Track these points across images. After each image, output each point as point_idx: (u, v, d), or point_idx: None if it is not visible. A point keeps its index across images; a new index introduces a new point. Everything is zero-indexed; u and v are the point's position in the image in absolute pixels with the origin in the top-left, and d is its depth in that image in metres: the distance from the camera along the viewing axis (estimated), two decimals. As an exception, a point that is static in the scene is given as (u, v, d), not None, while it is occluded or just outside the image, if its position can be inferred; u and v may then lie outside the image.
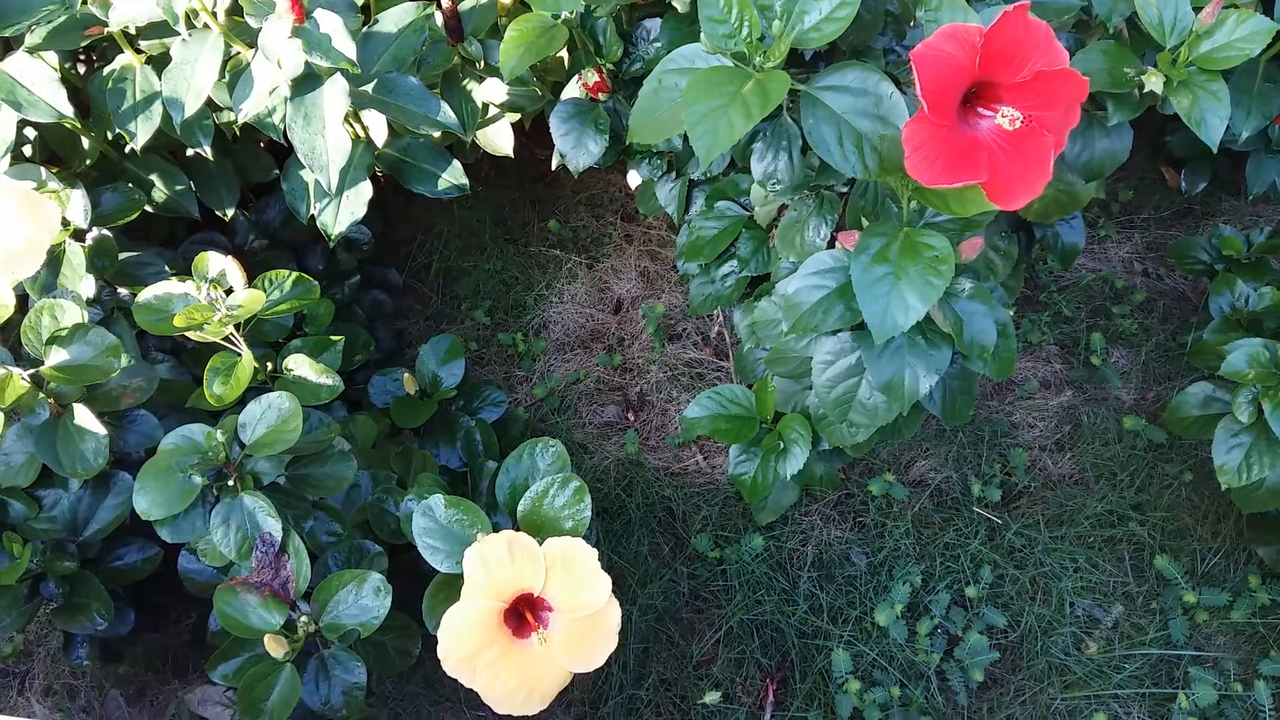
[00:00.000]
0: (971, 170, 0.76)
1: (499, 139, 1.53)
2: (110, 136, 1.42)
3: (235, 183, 1.55)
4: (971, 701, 1.41)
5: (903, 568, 1.49)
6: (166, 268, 1.41)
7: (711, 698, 1.40)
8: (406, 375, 1.50)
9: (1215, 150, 0.96)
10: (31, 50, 1.27)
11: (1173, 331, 1.72)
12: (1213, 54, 0.98)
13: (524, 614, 1.03)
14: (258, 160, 1.60)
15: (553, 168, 1.46)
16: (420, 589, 1.10)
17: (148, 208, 1.44)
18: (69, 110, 1.25)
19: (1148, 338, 1.71)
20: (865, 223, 0.94)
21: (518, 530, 1.05)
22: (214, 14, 1.21)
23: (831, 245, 1.07)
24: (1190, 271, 1.61)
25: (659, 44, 1.30)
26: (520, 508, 1.08)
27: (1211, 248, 1.58)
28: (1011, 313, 1.70)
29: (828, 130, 0.79)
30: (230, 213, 1.55)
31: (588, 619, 1.02)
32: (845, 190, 1.05)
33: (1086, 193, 1.16)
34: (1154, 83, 0.99)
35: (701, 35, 0.78)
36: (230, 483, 1.04)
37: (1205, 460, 1.51)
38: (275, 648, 0.99)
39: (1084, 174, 1.11)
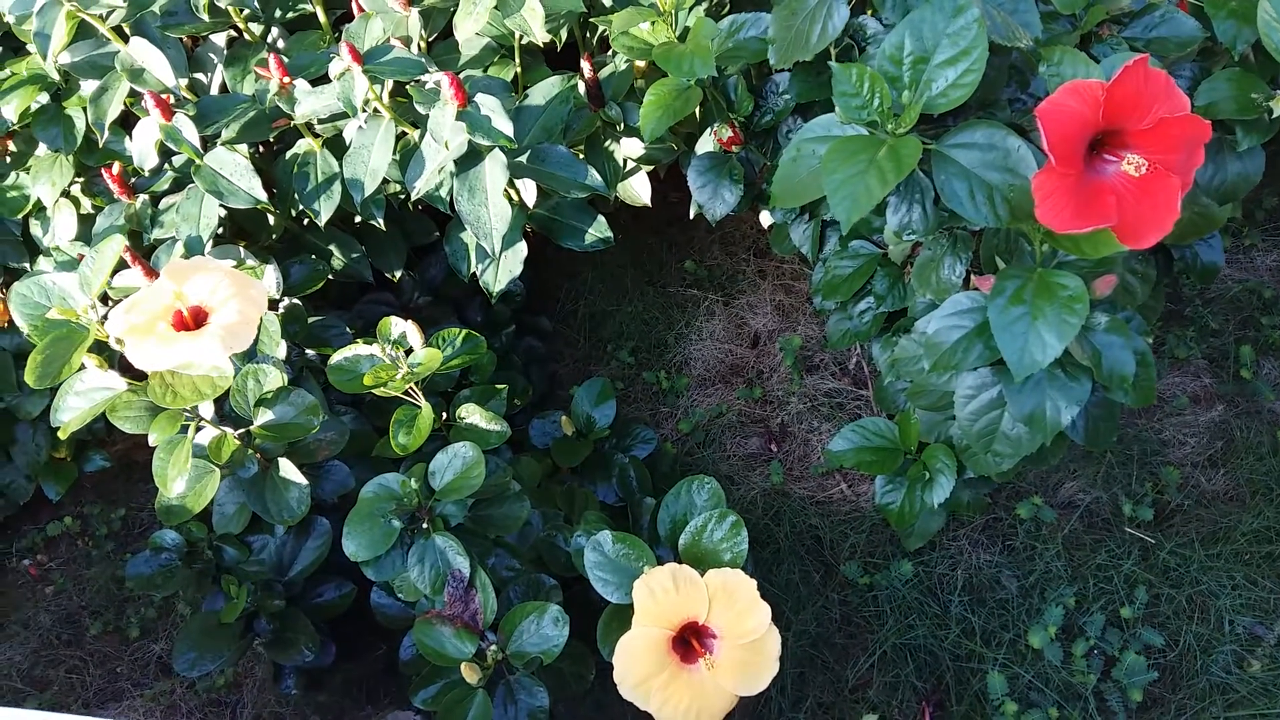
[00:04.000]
0: (1100, 215, 0.80)
1: (638, 190, 1.63)
2: (294, 214, 1.58)
3: (402, 246, 1.70)
4: (1132, 721, 1.41)
5: (1055, 590, 1.51)
6: (348, 329, 1.55)
7: (869, 720, 1.45)
8: (564, 418, 1.60)
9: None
10: (228, 144, 1.43)
11: (1328, 340, 1.68)
12: (1343, 75, 0.99)
13: (690, 641, 1.10)
14: (420, 224, 1.74)
15: (691, 216, 1.54)
16: (588, 618, 1.19)
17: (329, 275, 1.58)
18: (264, 196, 1.40)
19: (1301, 348, 1.68)
20: (999, 262, 0.99)
21: (680, 563, 1.13)
22: (382, 100, 1.35)
23: (966, 282, 1.12)
24: (1342, 279, 1.58)
25: (788, 96, 1.37)
26: (681, 542, 1.16)
27: (1364, 254, 1.55)
28: (1150, 337, 1.69)
29: (959, 185, 0.85)
30: (398, 274, 1.69)
31: (750, 645, 1.09)
32: (978, 229, 1.10)
33: (1222, 214, 1.18)
34: (1284, 108, 1.01)
35: (836, 108, 0.85)
36: (423, 525, 1.16)
37: (1369, 472, 1.48)
38: (470, 674, 1.10)
39: (1217, 198, 1.13)
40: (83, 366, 1.18)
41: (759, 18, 1.31)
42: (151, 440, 1.24)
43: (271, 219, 1.60)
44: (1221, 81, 1.05)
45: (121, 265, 1.33)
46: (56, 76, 1.46)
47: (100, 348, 1.24)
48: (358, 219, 1.66)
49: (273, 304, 1.50)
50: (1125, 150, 0.82)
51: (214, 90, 1.54)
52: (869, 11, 1.23)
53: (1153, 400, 1.01)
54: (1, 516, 1.81)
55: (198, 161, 1.40)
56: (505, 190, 1.34)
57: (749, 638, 1.08)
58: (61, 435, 1.22)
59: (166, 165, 1.51)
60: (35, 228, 1.57)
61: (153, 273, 1.33)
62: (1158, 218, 0.82)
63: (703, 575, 1.10)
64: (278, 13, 1.54)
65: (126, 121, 1.51)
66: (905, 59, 0.84)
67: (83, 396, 1.24)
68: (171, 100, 1.39)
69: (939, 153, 0.86)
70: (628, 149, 1.56)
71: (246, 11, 1.49)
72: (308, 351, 1.55)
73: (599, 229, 1.54)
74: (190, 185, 1.45)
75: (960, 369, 0.95)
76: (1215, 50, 1.13)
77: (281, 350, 1.44)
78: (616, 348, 1.93)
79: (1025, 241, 0.97)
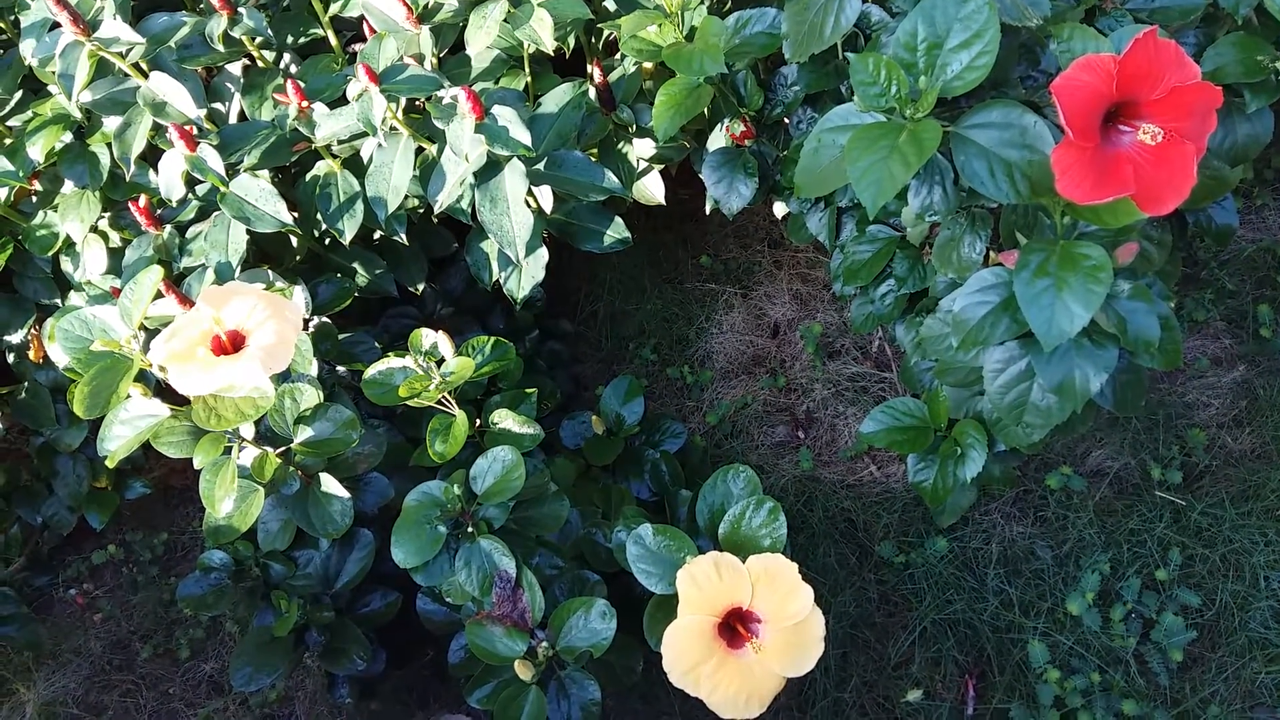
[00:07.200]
0: (1119, 185, 0.82)
1: (652, 189, 1.65)
2: (316, 234, 1.61)
3: (422, 259, 1.72)
4: (1173, 681, 1.43)
5: (1089, 557, 1.53)
6: (376, 344, 1.58)
7: (914, 695, 1.47)
8: (594, 417, 1.63)
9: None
10: (251, 170, 1.46)
11: (1344, 295, 1.69)
12: (1347, 33, 1.01)
13: (735, 627, 1.13)
14: (438, 237, 1.77)
15: (707, 212, 1.57)
16: (631, 612, 1.21)
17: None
18: (289, 219, 1.42)
19: (1318, 304, 1.70)
20: (1020, 237, 1.01)
21: (720, 551, 1.15)
22: (398, 118, 1.38)
23: (986, 259, 1.14)
24: (1356, 233, 1.59)
25: (796, 88, 1.40)
26: (721, 530, 1.18)
27: (1376, 207, 1.56)
28: (1173, 301, 1.71)
29: (979, 164, 0.87)
30: (420, 287, 1.72)
31: (795, 627, 1.11)
32: (995, 206, 1.12)
33: (1234, 176, 1.19)
34: (1290, 68, 1.03)
35: (854, 96, 0.87)
36: (468, 529, 1.18)
37: (1394, 423, 1.49)
38: (524, 671, 1.12)
39: (1228, 160, 1.15)
40: (128, 395, 1.21)
41: (764, 13, 1.33)
42: (196, 463, 1.27)
43: (295, 241, 1.62)
44: (1227, 46, 1.07)
45: (155, 295, 1.36)
46: (79, 115, 1.50)
47: (140, 376, 1.27)
48: (377, 235, 1.68)
49: (304, 323, 1.52)
50: (1140, 120, 0.84)
51: (232, 118, 1.57)
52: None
53: (1179, 363, 1.03)
54: (46, 548, 1.85)
55: (224, 189, 1.43)
56: (525, 198, 1.37)
57: (793, 620, 1.10)
58: (109, 464, 1.25)
59: (190, 194, 1.54)
60: (65, 263, 1.60)
61: (186, 300, 1.35)
62: (1175, 184, 0.84)
63: (744, 561, 1.12)
64: (289, 39, 1.57)
65: (148, 154, 1.54)
66: (919, 45, 0.87)
67: (128, 425, 1.27)
68: (194, 131, 1.42)
69: (958, 134, 0.88)
70: (640, 150, 1.58)
71: (259, 40, 1.52)
72: (338, 368, 1.57)
73: (617, 230, 1.57)
74: (217, 213, 1.48)
75: (988, 344, 0.97)
76: (1218, 16, 1.15)
77: (314, 368, 1.48)
78: (638, 346, 1.96)
79: (1045, 215, 0.99)
